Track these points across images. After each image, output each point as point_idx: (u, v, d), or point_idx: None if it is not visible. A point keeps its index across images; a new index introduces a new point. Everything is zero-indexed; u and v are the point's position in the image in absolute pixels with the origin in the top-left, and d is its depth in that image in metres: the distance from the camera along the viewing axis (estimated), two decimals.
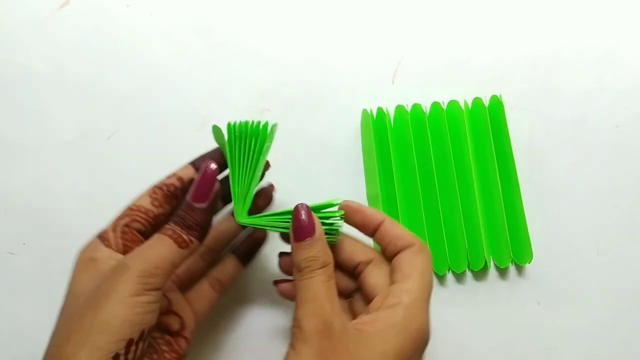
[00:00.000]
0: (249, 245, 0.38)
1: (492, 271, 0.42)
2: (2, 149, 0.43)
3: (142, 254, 0.29)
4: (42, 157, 0.43)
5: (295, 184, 0.42)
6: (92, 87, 0.44)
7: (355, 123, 0.44)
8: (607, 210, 0.43)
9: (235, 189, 0.33)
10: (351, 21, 0.46)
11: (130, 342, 0.27)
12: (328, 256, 0.31)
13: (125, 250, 0.31)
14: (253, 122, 0.33)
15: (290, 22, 0.46)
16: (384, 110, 0.41)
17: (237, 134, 0.33)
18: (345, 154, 0.44)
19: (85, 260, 0.30)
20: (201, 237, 0.31)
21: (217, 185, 0.32)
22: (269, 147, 0.34)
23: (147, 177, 0.43)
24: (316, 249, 0.30)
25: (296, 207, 0.31)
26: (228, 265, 0.37)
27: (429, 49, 0.46)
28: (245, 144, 0.33)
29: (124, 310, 0.27)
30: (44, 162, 0.43)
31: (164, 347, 0.32)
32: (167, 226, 0.31)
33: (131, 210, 0.33)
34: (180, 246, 0.30)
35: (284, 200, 0.40)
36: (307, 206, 0.31)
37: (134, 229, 0.32)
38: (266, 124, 0.33)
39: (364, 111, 0.42)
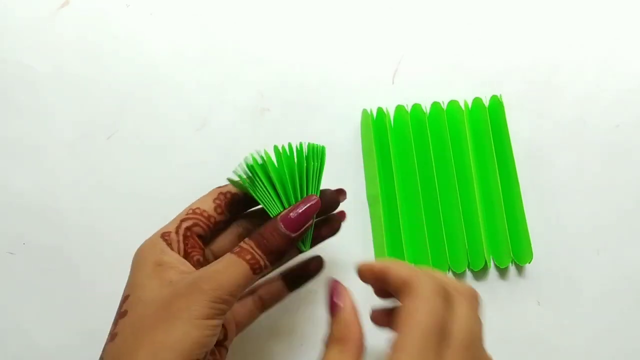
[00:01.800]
0: (300, 273, 0.36)
1: (492, 271, 0.42)
2: (2, 149, 0.43)
3: (217, 278, 0.28)
4: (42, 157, 0.43)
5: None
6: (92, 87, 0.44)
7: (355, 123, 0.44)
8: (607, 210, 0.43)
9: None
10: (351, 21, 0.46)
11: None
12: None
13: (186, 254, 0.31)
14: (300, 145, 0.33)
15: (291, 22, 0.46)
16: (384, 110, 0.41)
17: (286, 158, 0.32)
18: (345, 154, 0.44)
19: (152, 264, 0.29)
20: (276, 264, 0.31)
21: (312, 221, 0.31)
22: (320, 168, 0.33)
23: (147, 177, 0.43)
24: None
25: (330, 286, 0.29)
26: (274, 287, 0.36)
27: (429, 49, 0.46)
28: (300, 168, 0.32)
29: (195, 332, 0.27)
30: (44, 162, 0.43)
31: (209, 357, 0.31)
32: (246, 247, 0.29)
33: (194, 213, 0.32)
34: (254, 272, 0.29)
35: None
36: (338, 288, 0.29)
37: (195, 233, 0.31)
38: (318, 146, 0.33)
39: (364, 111, 0.42)
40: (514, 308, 0.41)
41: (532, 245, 0.40)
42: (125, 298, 0.29)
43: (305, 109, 0.44)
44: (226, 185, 0.33)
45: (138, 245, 0.41)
